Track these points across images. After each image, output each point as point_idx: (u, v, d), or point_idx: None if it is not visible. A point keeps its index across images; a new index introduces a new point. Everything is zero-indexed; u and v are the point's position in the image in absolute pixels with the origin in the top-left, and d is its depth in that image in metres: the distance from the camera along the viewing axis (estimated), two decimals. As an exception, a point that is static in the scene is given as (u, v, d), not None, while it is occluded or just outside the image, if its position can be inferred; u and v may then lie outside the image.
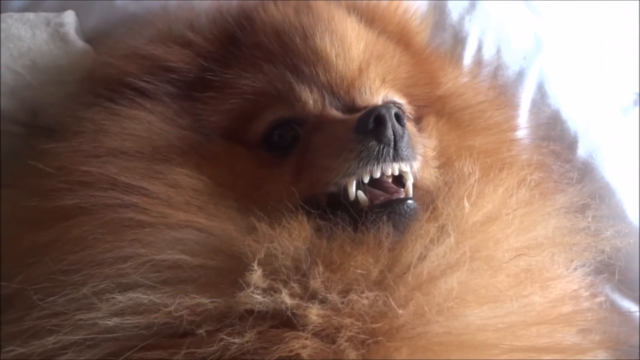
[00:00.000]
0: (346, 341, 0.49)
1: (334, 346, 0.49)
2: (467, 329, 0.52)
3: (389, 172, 0.58)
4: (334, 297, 0.51)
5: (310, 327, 0.50)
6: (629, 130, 1.04)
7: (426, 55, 0.79)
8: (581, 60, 1.07)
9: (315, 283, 0.52)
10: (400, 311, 0.50)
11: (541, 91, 0.91)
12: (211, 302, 0.52)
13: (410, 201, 0.57)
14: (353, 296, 0.51)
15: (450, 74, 0.80)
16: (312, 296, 0.51)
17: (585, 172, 0.88)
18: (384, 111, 0.57)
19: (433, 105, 0.73)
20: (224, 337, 0.49)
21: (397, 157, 0.58)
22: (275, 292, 0.51)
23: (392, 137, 0.57)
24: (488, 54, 0.90)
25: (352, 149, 0.57)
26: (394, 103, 0.67)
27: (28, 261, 0.58)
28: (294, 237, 0.54)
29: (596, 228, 0.69)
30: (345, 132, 0.59)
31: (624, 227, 0.87)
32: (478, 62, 0.90)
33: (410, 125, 0.64)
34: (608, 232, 0.68)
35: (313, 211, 0.57)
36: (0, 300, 0.58)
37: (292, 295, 0.51)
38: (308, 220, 0.56)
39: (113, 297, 0.51)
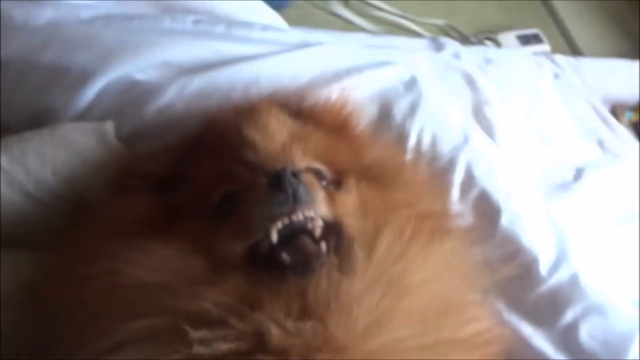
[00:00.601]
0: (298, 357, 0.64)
1: None
2: (388, 347, 0.66)
3: (295, 219, 0.73)
4: (285, 323, 0.65)
5: (271, 347, 0.63)
6: (564, 202, 1.28)
7: (352, 136, 1.00)
8: (520, 141, 1.32)
9: (254, 321, 0.64)
10: (337, 332, 0.64)
11: (469, 174, 1.14)
12: (178, 355, 0.62)
13: (322, 257, 0.73)
14: (297, 323, 0.65)
15: (372, 148, 0.99)
16: (259, 329, 0.65)
17: (506, 237, 1.08)
18: (281, 171, 0.74)
19: (355, 172, 0.90)
20: None
21: (297, 201, 0.73)
22: (212, 341, 0.63)
23: (290, 187, 0.73)
24: (425, 146, 1.15)
25: (264, 200, 0.74)
26: (313, 169, 0.86)
27: (50, 320, 0.75)
28: (223, 289, 0.68)
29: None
30: (262, 191, 0.75)
31: (537, 280, 1.09)
32: (417, 151, 1.15)
33: (310, 178, 0.81)
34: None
35: (253, 261, 0.74)
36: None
37: (228, 339, 0.63)
38: (245, 270, 0.73)
39: (113, 356, 0.65)
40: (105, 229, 0.84)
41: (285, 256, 0.74)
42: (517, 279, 1.02)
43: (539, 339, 1.04)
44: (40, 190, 0.95)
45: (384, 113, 1.17)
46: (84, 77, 1.06)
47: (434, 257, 0.79)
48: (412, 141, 1.15)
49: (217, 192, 0.84)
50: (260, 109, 0.92)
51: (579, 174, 1.39)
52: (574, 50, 2.67)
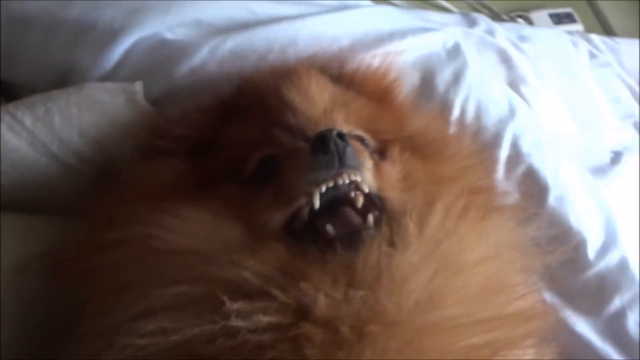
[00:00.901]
0: (349, 331, 0.59)
1: (338, 335, 0.59)
2: (438, 325, 0.62)
3: (340, 182, 0.69)
4: (333, 293, 0.61)
5: (317, 318, 0.60)
6: (603, 184, 1.21)
7: (394, 105, 0.95)
8: (557, 121, 1.25)
9: (298, 292, 0.61)
10: (388, 305, 0.61)
11: (515, 148, 1.08)
12: (214, 326, 0.59)
13: (370, 230, 0.69)
14: (346, 293, 0.61)
15: (415, 118, 0.94)
16: (303, 300, 0.61)
17: (553, 218, 1.02)
18: (326, 132, 0.69)
19: (398, 142, 0.85)
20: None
21: (343, 165, 0.68)
22: (251, 314, 0.59)
23: (335, 149, 0.68)
24: (469, 118, 1.08)
25: (307, 164, 0.70)
26: (357, 136, 0.81)
27: (76, 286, 0.71)
28: (263, 258, 0.64)
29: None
30: (304, 155, 0.71)
31: (585, 264, 1.03)
32: (461, 123, 1.08)
33: (357, 144, 0.76)
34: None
35: (292, 231, 0.70)
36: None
37: (269, 312, 0.60)
38: (285, 240, 0.68)
39: (145, 323, 0.61)
40: (136, 193, 0.79)
41: (330, 228, 0.69)
42: (562, 263, 0.96)
43: (582, 327, 0.99)
44: (65, 152, 0.89)
45: (426, 81, 1.10)
46: (110, 35, 0.99)
47: (487, 235, 0.75)
48: (455, 112, 1.08)
49: (254, 156, 0.80)
50: (300, 72, 0.87)
51: (617, 157, 1.33)
52: (607, 30, 2.57)
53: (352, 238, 0.67)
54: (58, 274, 0.75)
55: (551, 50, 1.54)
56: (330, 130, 0.70)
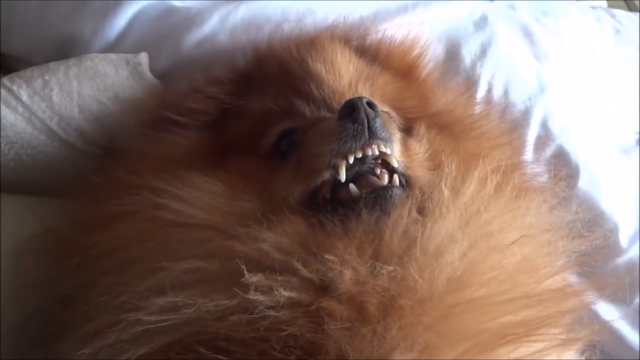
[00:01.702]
0: (375, 308, 0.54)
1: (362, 312, 0.54)
2: (470, 304, 0.57)
3: (369, 153, 0.63)
4: (358, 267, 0.56)
5: (341, 294, 0.55)
6: (628, 165, 1.13)
7: (420, 80, 0.88)
8: (582, 101, 1.17)
9: (321, 265, 0.56)
10: (420, 281, 0.55)
11: (545, 128, 0.99)
12: (229, 302, 0.55)
13: (397, 189, 0.63)
14: (372, 267, 0.56)
15: (442, 95, 0.88)
16: (327, 275, 0.56)
17: (584, 201, 0.94)
18: (356, 99, 0.64)
19: (425, 119, 0.80)
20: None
21: (372, 135, 0.63)
22: (271, 288, 0.55)
23: (365, 118, 0.63)
24: (497, 94, 0.99)
25: (334, 133, 0.64)
26: (383, 111, 0.73)
27: (79, 264, 0.64)
28: (283, 232, 0.59)
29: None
30: (330, 124, 0.66)
31: (616, 251, 0.97)
32: (488, 101, 0.99)
33: (385, 116, 0.71)
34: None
35: (313, 206, 0.64)
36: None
37: (290, 287, 0.55)
38: (305, 214, 0.62)
39: (153, 299, 0.56)
40: (144, 164, 0.72)
41: (353, 188, 0.63)
42: (593, 248, 0.90)
43: (612, 314, 0.93)
44: (65, 129, 0.81)
45: (452, 54, 1.01)
46: (113, 2, 0.90)
47: (522, 215, 0.68)
48: (482, 88, 0.99)
49: (273, 130, 0.74)
50: (324, 42, 0.81)
51: None
52: (630, 6, 2.46)
53: (378, 197, 0.61)
54: (59, 253, 0.69)
55: (574, 26, 1.45)
56: (360, 98, 0.64)
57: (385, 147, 0.65)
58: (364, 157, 0.64)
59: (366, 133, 0.63)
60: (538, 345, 0.58)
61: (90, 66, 0.84)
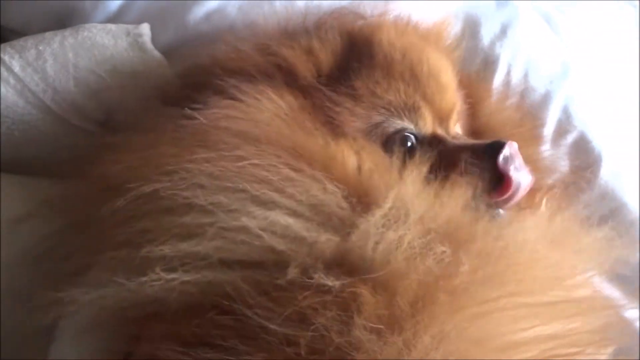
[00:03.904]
0: (406, 301, 0.48)
1: (392, 306, 0.48)
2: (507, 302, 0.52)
3: None
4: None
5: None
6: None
7: (480, 95, 0.84)
8: (608, 88, 1.09)
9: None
10: (464, 267, 0.50)
11: (566, 113, 0.90)
12: (331, 243, 0.50)
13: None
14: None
15: (487, 106, 0.84)
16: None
17: (607, 191, 0.87)
18: (512, 145, 0.66)
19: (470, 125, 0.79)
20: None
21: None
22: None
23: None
24: (516, 77, 0.90)
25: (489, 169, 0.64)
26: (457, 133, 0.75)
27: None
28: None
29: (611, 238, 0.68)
30: (476, 153, 0.67)
31: (637, 245, 0.89)
32: (507, 84, 0.90)
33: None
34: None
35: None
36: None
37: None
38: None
39: (265, 211, 0.51)
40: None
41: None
42: (615, 238, 0.82)
43: (632, 311, 0.86)
44: (59, 104, 0.72)
45: (470, 33, 0.91)
46: (115, -30, 0.81)
47: (551, 221, 0.63)
48: (501, 69, 0.90)
49: (392, 123, 0.69)
50: (441, 46, 0.78)
51: None
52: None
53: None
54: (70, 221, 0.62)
55: (593, 13, 1.36)
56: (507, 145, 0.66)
57: None
58: None
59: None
60: None
61: (88, 37, 0.76)
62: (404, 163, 0.64)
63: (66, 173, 0.68)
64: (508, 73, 0.92)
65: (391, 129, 0.69)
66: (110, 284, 0.51)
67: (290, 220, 0.51)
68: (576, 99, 0.93)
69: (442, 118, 0.73)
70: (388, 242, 0.51)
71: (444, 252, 0.51)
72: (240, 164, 0.54)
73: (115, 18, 0.84)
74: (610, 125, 0.93)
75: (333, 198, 0.54)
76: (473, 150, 0.68)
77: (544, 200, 0.72)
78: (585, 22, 1.23)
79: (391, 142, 0.69)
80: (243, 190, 0.52)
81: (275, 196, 0.53)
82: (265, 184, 0.53)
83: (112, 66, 0.75)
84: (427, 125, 0.71)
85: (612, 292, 0.82)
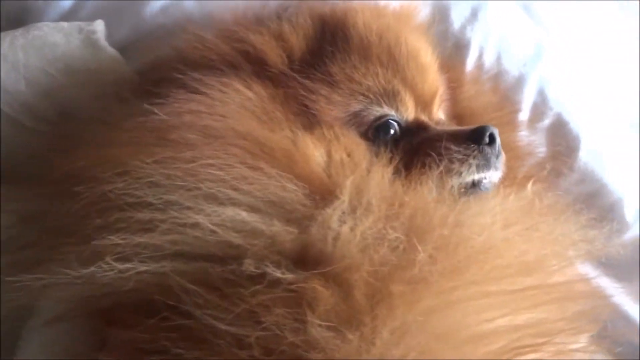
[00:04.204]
0: (363, 294, 0.46)
1: (349, 300, 0.46)
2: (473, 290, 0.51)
3: (491, 178, 0.66)
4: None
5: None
6: (633, 138, 1.03)
7: (457, 79, 0.82)
8: (583, 68, 1.05)
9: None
10: (421, 254, 0.48)
11: (542, 95, 0.88)
12: (290, 232, 0.49)
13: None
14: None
15: (466, 91, 0.82)
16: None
17: (586, 173, 0.85)
18: (495, 131, 0.66)
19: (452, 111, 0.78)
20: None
21: (497, 167, 0.66)
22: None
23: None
24: (489, 60, 0.87)
25: (474, 156, 0.64)
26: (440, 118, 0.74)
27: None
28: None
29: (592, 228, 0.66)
30: (458, 141, 0.65)
31: (622, 226, 0.87)
32: (479, 68, 0.87)
33: None
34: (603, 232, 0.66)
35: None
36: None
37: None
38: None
39: (219, 207, 0.49)
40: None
41: None
42: (595, 224, 0.80)
43: (619, 296, 0.83)
44: (11, 105, 0.69)
45: (440, 17, 0.88)
46: (66, -36, 0.78)
47: (516, 212, 0.61)
48: (472, 53, 0.87)
49: (372, 110, 0.67)
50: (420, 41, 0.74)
51: None
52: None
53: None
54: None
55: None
56: (495, 129, 0.66)
57: (497, 175, 0.67)
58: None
59: (496, 164, 0.66)
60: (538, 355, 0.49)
61: (38, 36, 0.73)
62: (378, 154, 0.62)
63: (22, 175, 0.65)
64: (480, 57, 0.89)
65: (371, 117, 0.67)
66: (63, 274, 0.50)
67: (247, 215, 0.50)
68: (551, 80, 0.90)
69: (425, 103, 0.71)
70: (344, 234, 0.48)
71: (397, 238, 0.49)
72: (194, 164, 0.52)
73: (70, 15, 0.81)
74: (587, 104, 0.90)
75: (293, 196, 0.52)
76: (457, 136, 0.66)
77: (529, 185, 0.70)
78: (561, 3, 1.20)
79: (372, 131, 0.66)
80: (197, 189, 0.51)
81: (232, 193, 0.51)
82: (220, 182, 0.51)
83: (64, 65, 0.72)
84: (409, 111, 0.69)
85: (599, 278, 0.80)
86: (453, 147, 0.65)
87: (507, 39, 0.91)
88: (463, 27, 0.89)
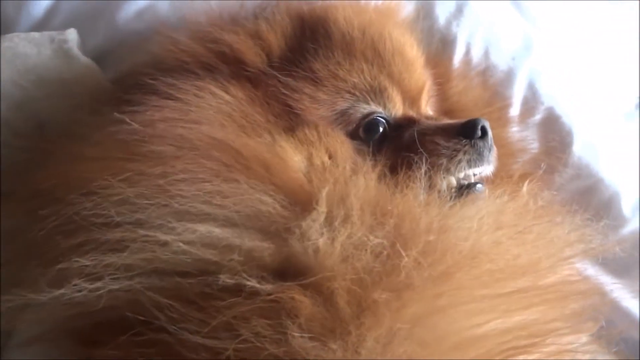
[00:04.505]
0: (346, 302, 0.44)
1: (332, 309, 0.44)
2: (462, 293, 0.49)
3: (483, 172, 0.64)
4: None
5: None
6: (628, 129, 1.00)
7: (445, 75, 0.80)
8: (575, 60, 1.02)
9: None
10: (405, 259, 0.46)
11: (532, 89, 0.86)
12: (267, 247, 0.47)
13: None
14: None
15: (454, 86, 0.80)
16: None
17: (581, 168, 0.83)
18: (487, 124, 0.63)
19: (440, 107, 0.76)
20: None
21: (489, 161, 0.64)
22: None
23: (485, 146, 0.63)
24: (476, 55, 0.85)
25: (465, 151, 0.62)
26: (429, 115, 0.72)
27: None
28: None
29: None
30: (448, 135, 0.63)
31: (620, 221, 0.85)
32: (467, 63, 0.85)
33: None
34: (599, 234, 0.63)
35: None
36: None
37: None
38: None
39: (192, 225, 0.47)
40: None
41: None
42: (591, 223, 0.78)
43: (619, 292, 0.81)
44: None
45: (424, 13, 0.86)
46: (36, -28, 0.75)
47: (509, 214, 0.59)
48: (459, 49, 0.85)
49: (358, 107, 0.66)
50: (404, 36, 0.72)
51: None
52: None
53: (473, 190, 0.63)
54: None
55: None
56: (487, 122, 0.65)
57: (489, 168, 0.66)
58: None
59: (487, 155, 0.64)
60: (535, 356, 0.47)
61: (9, 47, 0.70)
62: (364, 154, 0.60)
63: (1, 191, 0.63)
64: (467, 52, 0.87)
65: (358, 115, 0.65)
66: (33, 296, 0.48)
67: (221, 231, 0.48)
68: (541, 73, 0.88)
69: (413, 98, 0.69)
70: (324, 246, 0.46)
71: (380, 244, 0.47)
72: (166, 179, 0.50)
73: (42, 24, 0.79)
74: (579, 96, 0.88)
75: (270, 209, 0.50)
76: (447, 131, 0.65)
77: (525, 183, 0.68)
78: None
79: (360, 130, 0.65)
80: (168, 206, 0.49)
81: (205, 208, 0.49)
82: (192, 197, 0.49)
83: (36, 76, 0.69)
84: (397, 107, 0.67)
85: (597, 274, 0.78)
86: (442, 142, 0.63)
87: (494, 33, 0.89)
88: (449, 23, 0.87)
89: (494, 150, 0.65)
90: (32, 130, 0.71)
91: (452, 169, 0.62)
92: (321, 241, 0.46)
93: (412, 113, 0.68)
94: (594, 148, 0.85)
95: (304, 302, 0.43)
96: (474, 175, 0.64)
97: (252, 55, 0.64)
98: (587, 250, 0.63)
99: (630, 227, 0.82)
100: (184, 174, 0.50)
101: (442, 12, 0.87)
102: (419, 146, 0.62)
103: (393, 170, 0.61)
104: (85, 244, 0.48)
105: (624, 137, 0.90)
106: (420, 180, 0.56)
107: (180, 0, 0.77)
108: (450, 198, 0.58)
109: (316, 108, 0.63)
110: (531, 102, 0.86)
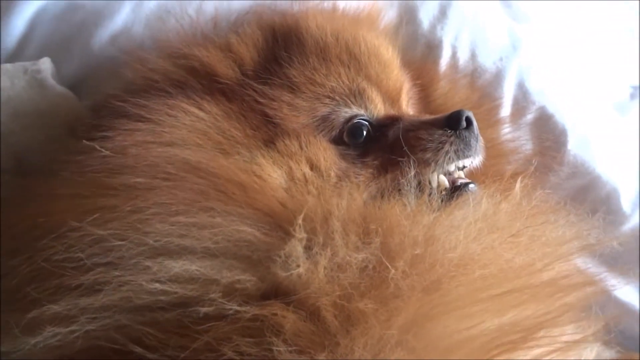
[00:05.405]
0: (333, 316, 0.43)
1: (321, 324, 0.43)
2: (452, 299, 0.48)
3: (471, 164, 0.64)
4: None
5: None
6: (623, 122, 0.99)
7: (429, 77, 0.80)
8: (564, 56, 1.01)
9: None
10: (392, 272, 0.45)
11: (522, 89, 0.84)
12: (248, 279, 0.46)
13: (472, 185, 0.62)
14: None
15: (440, 88, 0.79)
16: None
17: (577, 166, 0.81)
18: (471, 114, 0.63)
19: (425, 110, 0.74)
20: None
21: (477, 151, 0.64)
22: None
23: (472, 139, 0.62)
24: (463, 58, 0.83)
25: (451, 142, 0.61)
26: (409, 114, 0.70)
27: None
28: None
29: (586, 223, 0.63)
30: (433, 129, 0.62)
31: (619, 217, 0.83)
32: (453, 66, 0.83)
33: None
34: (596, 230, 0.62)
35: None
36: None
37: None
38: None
39: (168, 261, 0.46)
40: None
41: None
42: (588, 219, 0.76)
43: (622, 290, 0.80)
44: None
45: (407, 19, 0.84)
46: (5, 2, 0.74)
47: (501, 217, 0.58)
48: (445, 52, 0.82)
49: (340, 112, 0.64)
50: (374, 24, 0.73)
51: (636, 92, 1.04)
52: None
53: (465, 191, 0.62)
54: None
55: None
56: (471, 113, 0.64)
57: (477, 159, 0.65)
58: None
59: (477, 147, 0.64)
60: (536, 351, 0.47)
61: (-19, 80, 0.69)
62: (350, 160, 0.60)
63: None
64: (454, 55, 0.84)
65: (340, 119, 0.63)
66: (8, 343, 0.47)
67: (198, 267, 0.46)
68: (531, 71, 0.86)
69: (393, 99, 0.68)
70: (307, 271, 0.45)
71: (365, 258, 0.46)
72: (138, 215, 0.48)
73: (17, 53, 0.77)
74: (570, 92, 0.86)
75: (250, 237, 0.48)
76: (432, 125, 0.64)
77: (518, 182, 0.66)
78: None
79: (343, 134, 0.64)
80: (143, 244, 0.47)
81: (182, 243, 0.47)
82: (167, 233, 0.47)
83: (12, 109, 0.67)
84: (378, 107, 0.66)
85: (597, 271, 0.76)
86: (426, 136, 0.62)
87: (480, 33, 0.86)
88: (433, 27, 0.85)
89: (481, 140, 0.64)
90: (12, 165, 0.69)
91: (440, 161, 0.61)
92: (303, 268, 0.45)
93: (394, 112, 0.67)
94: (589, 145, 0.83)
95: (288, 317, 0.42)
96: (464, 167, 0.63)
97: (224, 68, 0.63)
98: (584, 247, 0.62)
99: (630, 224, 0.81)
100: (157, 208, 0.48)
101: (426, 15, 0.85)
102: (403, 145, 0.61)
103: (381, 171, 0.60)
104: (57, 290, 0.46)
105: (619, 131, 0.88)
106: (408, 184, 0.54)
107: (155, 22, 0.74)
108: (442, 200, 0.57)
109: (296, 116, 0.61)
110: (522, 101, 0.84)
